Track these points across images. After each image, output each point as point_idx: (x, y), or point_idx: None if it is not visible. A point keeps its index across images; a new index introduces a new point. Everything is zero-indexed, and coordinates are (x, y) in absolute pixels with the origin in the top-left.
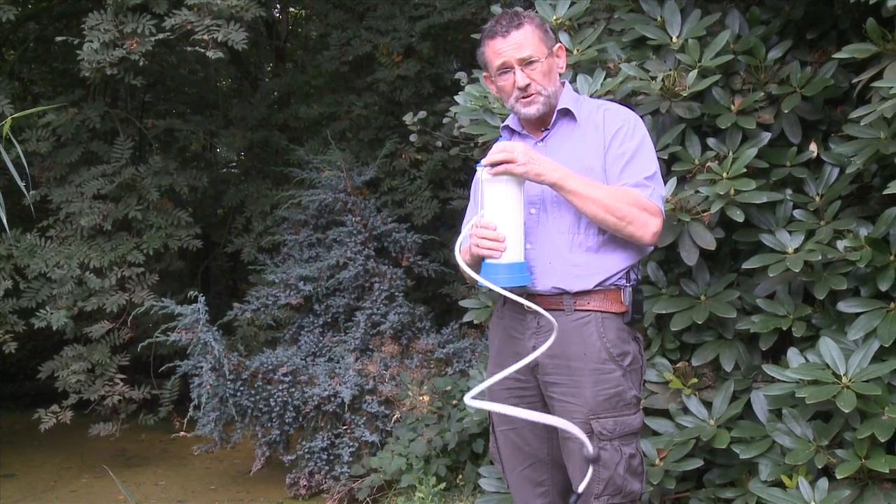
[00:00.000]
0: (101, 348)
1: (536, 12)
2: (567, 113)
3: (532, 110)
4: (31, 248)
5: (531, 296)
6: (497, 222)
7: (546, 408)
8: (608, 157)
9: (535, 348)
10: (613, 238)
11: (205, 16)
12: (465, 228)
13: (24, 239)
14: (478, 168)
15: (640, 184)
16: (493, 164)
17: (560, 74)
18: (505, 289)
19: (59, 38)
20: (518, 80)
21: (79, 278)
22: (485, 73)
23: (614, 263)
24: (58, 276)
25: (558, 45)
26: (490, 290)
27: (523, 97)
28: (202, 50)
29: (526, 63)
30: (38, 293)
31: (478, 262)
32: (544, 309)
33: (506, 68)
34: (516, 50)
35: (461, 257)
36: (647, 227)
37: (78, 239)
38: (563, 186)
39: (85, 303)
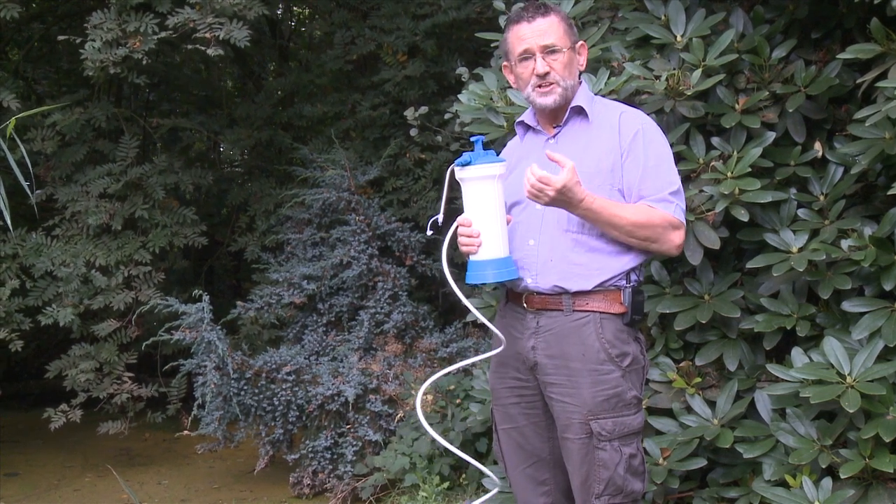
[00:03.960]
0: (108, 347)
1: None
2: (580, 111)
3: (548, 100)
4: (36, 247)
5: (531, 294)
6: (473, 219)
7: (546, 407)
8: (626, 164)
9: (533, 349)
10: (618, 241)
11: (207, 14)
12: (449, 233)
13: (30, 238)
14: (455, 165)
15: (664, 199)
16: (533, 194)
17: (580, 72)
18: (495, 283)
19: (61, 38)
20: (538, 66)
21: (85, 276)
22: (504, 63)
23: (616, 265)
24: (64, 275)
25: (581, 42)
26: (494, 289)
27: (540, 86)
28: (203, 48)
29: (548, 51)
30: (44, 292)
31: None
32: (544, 309)
33: (527, 55)
34: (540, 37)
35: (448, 264)
36: (672, 242)
37: (84, 238)
38: (587, 218)
39: (91, 301)
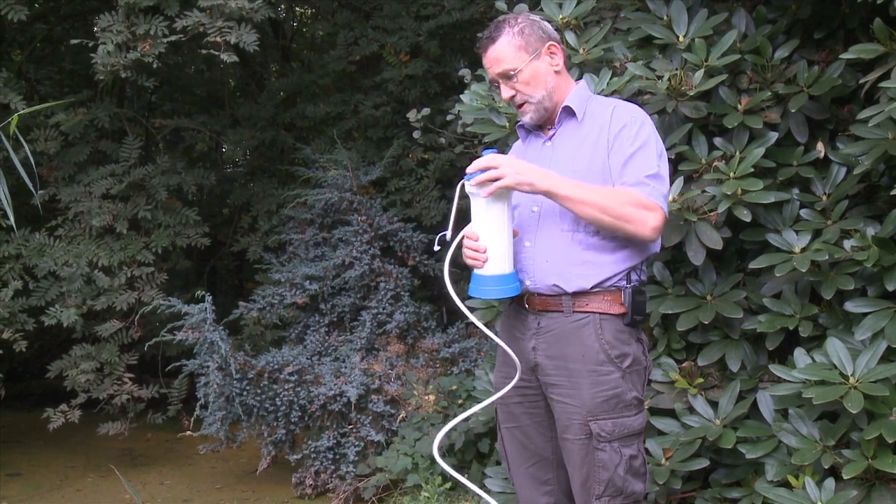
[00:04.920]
0: (109, 347)
1: (528, 12)
2: (571, 111)
3: (526, 118)
4: (39, 247)
5: (532, 295)
6: (480, 233)
7: (549, 407)
8: (612, 155)
9: (534, 349)
10: (614, 238)
11: (217, 17)
12: (454, 242)
13: (33, 238)
14: (465, 180)
15: (639, 182)
16: (482, 182)
17: (556, 72)
18: (495, 299)
19: (73, 41)
20: (502, 93)
21: (88, 277)
22: None
23: (614, 264)
24: (67, 275)
25: (549, 43)
26: None
27: (516, 106)
28: (216, 52)
29: (505, 77)
30: (47, 292)
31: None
32: (545, 310)
33: (494, 82)
34: (495, 65)
35: (449, 278)
36: (646, 223)
37: (87, 238)
38: (556, 193)
39: (94, 301)
